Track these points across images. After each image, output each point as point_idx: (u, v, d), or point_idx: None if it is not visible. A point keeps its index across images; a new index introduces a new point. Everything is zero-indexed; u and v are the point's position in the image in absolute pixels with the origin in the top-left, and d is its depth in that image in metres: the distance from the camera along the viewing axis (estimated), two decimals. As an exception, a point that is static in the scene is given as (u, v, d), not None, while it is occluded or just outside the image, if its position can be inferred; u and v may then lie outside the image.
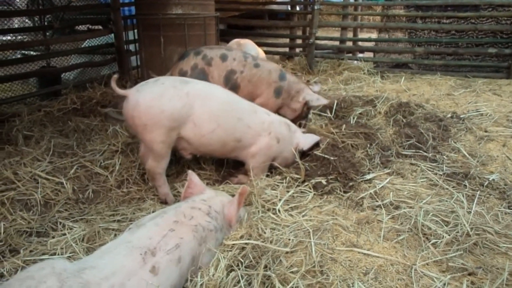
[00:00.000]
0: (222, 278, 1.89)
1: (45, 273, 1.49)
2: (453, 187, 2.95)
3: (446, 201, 2.71)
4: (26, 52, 6.44)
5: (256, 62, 3.78)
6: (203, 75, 3.46)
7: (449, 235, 2.32)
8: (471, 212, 2.57)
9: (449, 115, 4.33)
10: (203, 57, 3.56)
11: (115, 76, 2.93)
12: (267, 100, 3.81)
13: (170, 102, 2.75)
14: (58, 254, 2.31)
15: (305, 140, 3.31)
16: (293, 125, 3.41)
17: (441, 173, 3.15)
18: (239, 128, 3.01)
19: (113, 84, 2.83)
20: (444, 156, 3.41)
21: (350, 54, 8.20)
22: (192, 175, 2.44)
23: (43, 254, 2.34)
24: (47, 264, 1.58)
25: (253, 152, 3.10)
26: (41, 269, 1.52)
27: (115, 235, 2.51)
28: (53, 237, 2.51)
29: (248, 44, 5.31)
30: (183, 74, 3.53)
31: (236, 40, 5.39)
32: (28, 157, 3.32)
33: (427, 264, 2.11)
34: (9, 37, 6.80)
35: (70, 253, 2.32)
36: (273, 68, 3.90)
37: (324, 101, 3.93)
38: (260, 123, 3.11)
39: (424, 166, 3.23)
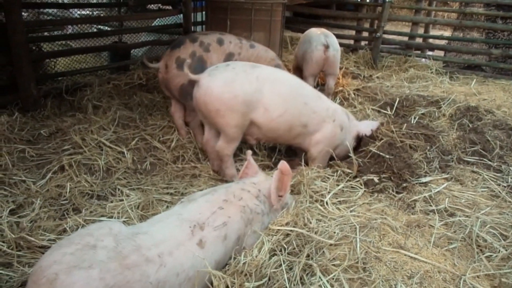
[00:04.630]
0: (265, 260, 1.92)
1: (103, 233, 1.61)
2: (517, 201, 2.76)
3: (508, 214, 2.55)
4: (101, 27, 6.82)
5: (251, 43, 3.81)
6: (201, 63, 3.40)
7: (506, 250, 2.19)
8: (534, 229, 2.39)
9: (522, 125, 4.02)
10: (200, 44, 3.51)
11: (188, 61, 2.95)
12: None
13: (242, 87, 2.73)
14: (115, 218, 2.49)
15: (366, 126, 3.30)
16: (350, 113, 3.37)
17: (505, 184, 2.95)
18: (305, 113, 2.98)
19: (186, 69, 2.83)
20: (511, 167, 3.19)
21: (419, 52, 7.81)
22: (250, 157, 2.51)
23: (102, 216, 2.53)
24: (106, 224, 1.70)
25: (317, 139, 3.08)
26: (100, 228, 1.65)
27: (167, 206, 2.64)
28: (112, 202, 2.70)
29: (330, 34, 5.14)
30: (181, 62, 3.38)
31: (315, 29, 5.24)
32: (95, 125, 3.56)
33: (478, 277, 2.01)
34: (88, 11, 7.23)
35: (125, 218, 2.49)
36: (267, 48, 3.98)
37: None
38: (325, 109, 3.09)
39: (486, 175, 3.04)
